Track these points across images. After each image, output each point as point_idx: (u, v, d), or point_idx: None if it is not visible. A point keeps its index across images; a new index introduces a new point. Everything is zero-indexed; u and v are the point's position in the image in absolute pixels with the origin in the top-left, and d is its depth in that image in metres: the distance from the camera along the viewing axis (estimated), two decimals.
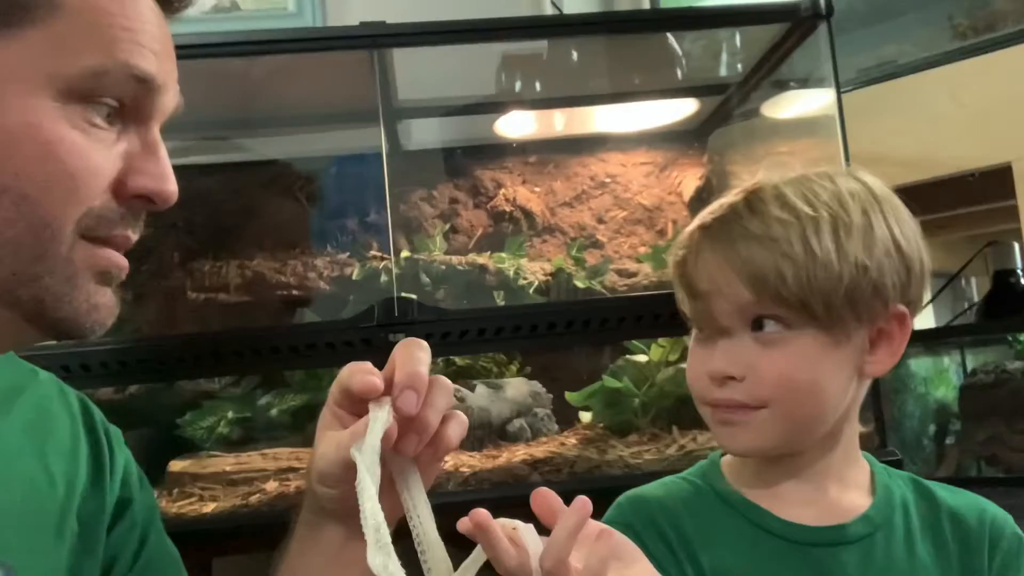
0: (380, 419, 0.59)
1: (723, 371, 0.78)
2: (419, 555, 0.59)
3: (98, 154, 0.59)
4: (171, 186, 0.63)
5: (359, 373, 0.63)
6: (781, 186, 0.79)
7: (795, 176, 0.81)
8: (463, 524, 0.58)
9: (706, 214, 0.82)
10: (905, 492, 0.84)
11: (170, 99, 0.64)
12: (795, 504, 0.81)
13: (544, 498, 0.61)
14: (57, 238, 0.58)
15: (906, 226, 0.80)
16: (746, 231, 0.77)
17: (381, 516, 0.54)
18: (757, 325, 0.77)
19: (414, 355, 0.62)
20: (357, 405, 0.63)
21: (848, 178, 0.81)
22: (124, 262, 0.63)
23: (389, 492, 0.62)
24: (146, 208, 0.63)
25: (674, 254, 0.84)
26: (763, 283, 0.75)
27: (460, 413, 0.65)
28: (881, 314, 0.78)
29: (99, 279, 0.61)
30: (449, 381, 0.64)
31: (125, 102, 0.60)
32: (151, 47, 0.60)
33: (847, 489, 0.83)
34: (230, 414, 1.38)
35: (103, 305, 0.62)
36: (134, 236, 0.63)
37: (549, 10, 1.58)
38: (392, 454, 0.61)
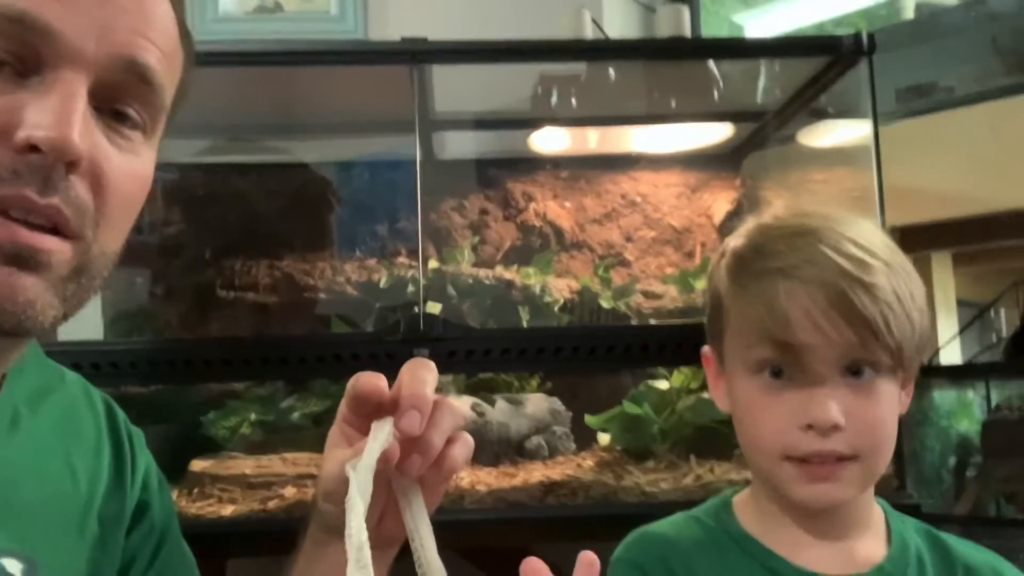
0: (379, 438, 0.58)
1: (835, 420, 0.74)
2: None
3: None
4: (58, 132, 0.54)
5: (365, 376, 0.62)
6: (840, 227, 0.77)
7: (831, 217, 0.79)
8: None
9: (768, 250, 0.78)
10: (919, 543, 0.83)
11: (99, 48, 0.57)
12: (811, 551, 0.80)
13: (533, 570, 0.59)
14: None
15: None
16: (846, 275, 0.74)
17: (365, 535, 0.54)
18: (853, 371, 0.75)
19: (419, 376, 0.61)
20: (365, 423, 0.62)
21: (872, 225, 0.81)
22: (25, 236, 0.55)
23: (395, 513, 0.62)
24: (44, 163, 0.54)
25: (738, 290, 0.79)
26: (873, 331, 0.73)
27: (466, 435, 0.64)
28: (919, 361, 0.79)
29: None
30: (455, 403, 0.63)
31: (15, 49, 0.54)
32: None
33: (863, 537, 0.82)
34: (253, 416, 1.39)
35: None
36: (40, 198, 0.54)
37: (589, 29, 1.57)
38: (396, 475, 0.61)
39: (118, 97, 0.60)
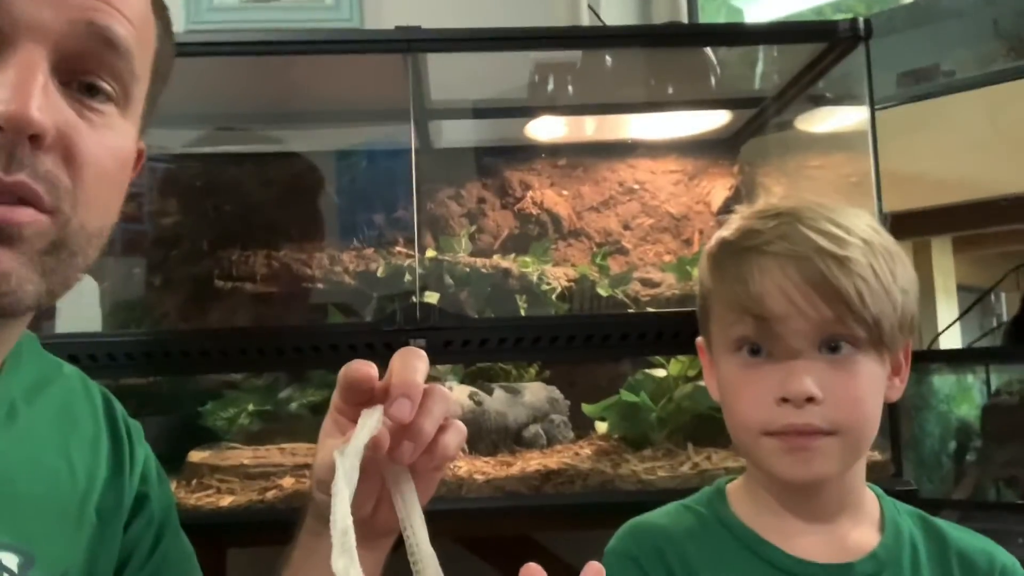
0: (367, 425, 0.58)
1: (809, 391, 0.75)
2: (411, 565, 0.58)
3: None
4: (16, 105, 0.52)
5: (356, 363, 0.62)
6: (823, 209, 0.79)
7: (819, 202, 0.81)
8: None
9: (746, 230, 0.80)
10: (913, 529, 0.84)
11: (56, 14, 0.55)
12: (804, 539, 0.81)
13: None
14: None
15: (909, 262, 0.83)
16: (819, 249, 0.76)
17: (350, 520, 0.54)
18: (831, 347, 0.76)
19: (410, 363, 0.61)
20: (358, 412, 0.61)
21: (860, 211, 0.83)
22: None
23: (389, 503, 0.62)
24: (4, 140, 0.53)
25: (716, 271, 0.82)
26: (847, 303, 0.75)
27: (458, 422, 0.64)
28: (904, 342, 0.81)
29: None
30: (446, 390, 0.63)
31: None
32: None
33: (857, 524, 0.83)
34: (251, 406, 1.39)
35: None
36: (5, 175, 0.53)
37: (586, 17, 1.57)
38: (388, 463, 0.61)
39: (85, 68, 0.58)
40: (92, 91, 0.59)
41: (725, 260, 0.82)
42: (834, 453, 0.76)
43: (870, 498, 0.85)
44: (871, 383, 0.78)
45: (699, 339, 0.89)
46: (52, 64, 0.56)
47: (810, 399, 0.75)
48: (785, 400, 0.76)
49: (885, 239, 0.80)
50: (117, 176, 0.62)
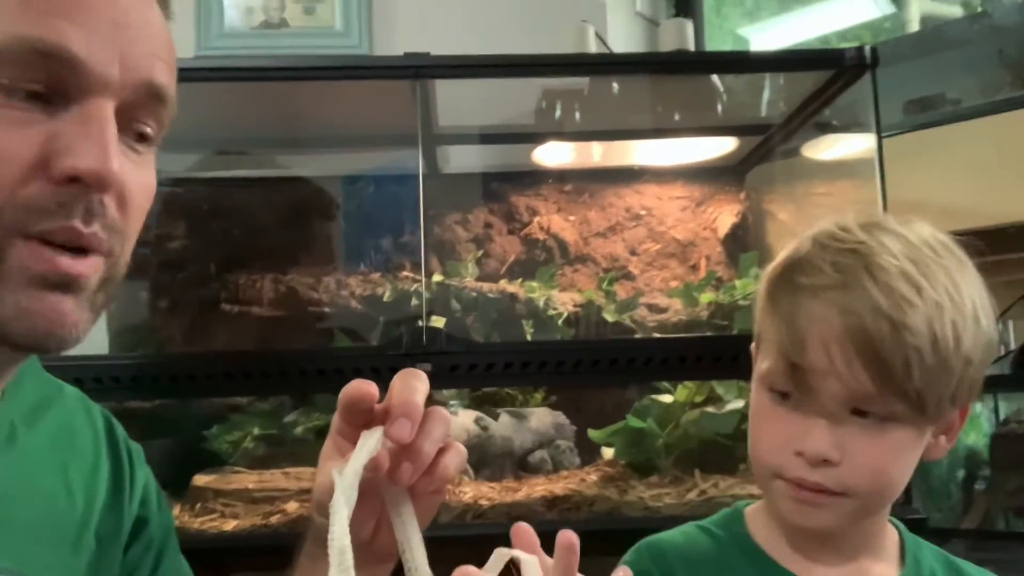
0: (367, 446, 0.58)
1: (824, 454, 0.70)
2: None
3: (8, 137, 0.54)
4: (103, 164, 0.56)
5: (356, 383, 0.61)
6: (898, 253, 0.70)
7: (895, 232, 0.73)
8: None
9: (809, 262, 0.73)
10: (934, 565, 0.82)
11: (125, 75, 0.58)
12: (824, 571, 0.79)
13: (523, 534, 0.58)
14: None
15: (990, 318, 0.72)
16: (876, 308, 0.68)
17: (348, 540, 0.53)
18: (862, 411, 0.71)
19: (410, 384, 0.60)
20: (358, 434, 0.60)
21: (946, 246, 0.73)
22: (72, 267, 0.57)
23: (389, 527, 0.61)
24: (86, 193, 0.56)
25: (768, 301, 0.75)
26: (890, 375, 0.68)
27: (458, 444, 0.63)
28: (959, 408, 0.74)
29: (36, 283, 0.56)
30: (446, 412, 0.63)
31: (44, 80, 0.55)
32: (75, 15, 0.55)
33: (878, 560, 0.80)
34: (256, 430, 1.39)
35: (38, 313, 0.56)
36: (85, 227, 0.56)
37: (593, 44, 1.58)
38: (388, 484, 0.60)
39: (139, 118, 0.61)
40: (141, 137, 0.62)
41: (779, 291, 0.76)
42: (843, 512, 0.73)
43: (891, 533, 0.83)
44: (900, 451, 0.72)
45: (753, 345, 0.82)
46: (115, 115, 0.59)
47: (826, 461, 0.71)
48: (801, 454, 0.72)
49: (963, 298, 0.70)
50: (148, 210, 0.66)
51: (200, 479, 1.30)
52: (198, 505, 1.25)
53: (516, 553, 0.56)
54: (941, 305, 0.68)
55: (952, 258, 0.73)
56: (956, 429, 0.76)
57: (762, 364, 0.77)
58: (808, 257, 0.74)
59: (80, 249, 0.57)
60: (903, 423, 0.71)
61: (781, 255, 0.78)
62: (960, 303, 0.70)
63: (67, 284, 0.57)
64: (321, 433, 1.38)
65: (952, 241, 0.74)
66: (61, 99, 0.56)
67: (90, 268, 0.58)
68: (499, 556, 0.56)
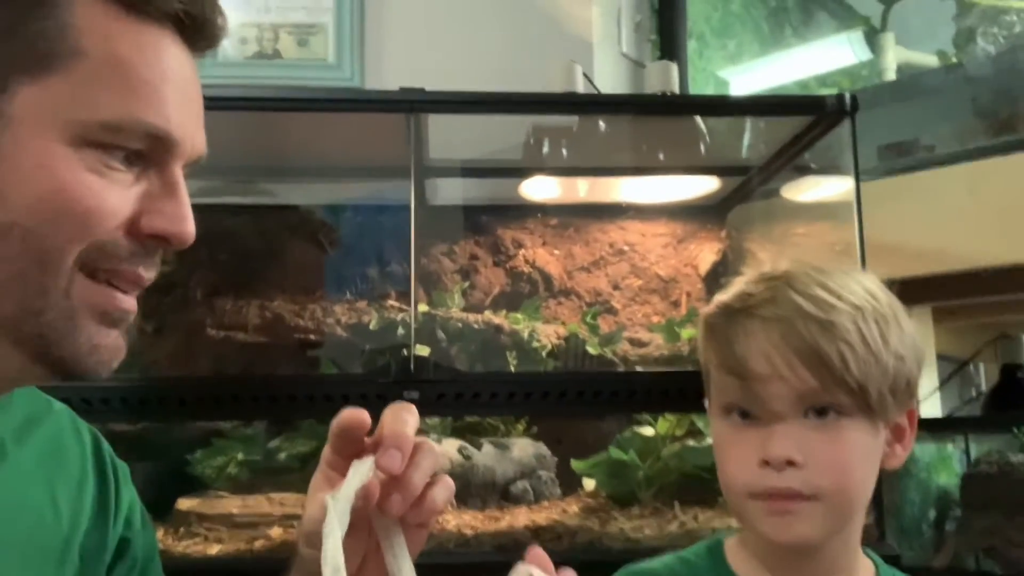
0: (359, 473, 0.59)
1: (788, 455, 0.75)
2: None
3: (113, 195, 0.60)
4: (188, 227, 0.63)
5: (348, 411, 0.63)
6: (817, 274, 0.79)
7: (817, 267, 0.81)
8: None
9: (739, 293, 0.81)
10: None
11: (193, 144, 0.64)
12: None
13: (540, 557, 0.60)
14: (56, 270, 0.58)
15: (911, 327, 0.81)
16: (803, 313, 0.75)
17: (341, 559, 0.54)
18: (817, 411, 0.76)
19: (401, 417, 0.62)
20: (348, 466, 0.62)
21: (862, 276, 0.82)
22: (128, 304, 0.63)
23: (377, 559, 0.63)
24: (162, 248, 0.63)
25: (708, 333, 0.82)
26: (828, 368, 0.74)
27: (447, 477, 0.64)
28: (903, 408, 0.79)
29: (101, 319, 0.61)
30: (436, 444, 0.65)
31: (142, 149, 0.61)
32: (171, 99, 0.61)
33: None
34: (240, 455, 1.39)
35: (105, 347, 0.62)
36: (147, 274, 0.63)
37: (581, 83, 1.62)
38: (378, 515, 0.62)
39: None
40: None
41: (717, 322, 0.82)
42: (816, 517, 0.76)
43: (866, 564, 0.85)
44: (859, 449, 0.77)
45: (706, 401, 0.89)
46: None
47: (791, 463, 0.75)
48: (767, 463, 0.76)
49: (882, 304, 0.78)
50: None
51: (184, 503, 1.30)
52: (182, 529, 1.25)
53: (536, 572, 0.57)
54: (861, 307, 0.76)
55: (863, 275, 0.81)
56: (909, 437, 0.81)
57: (713, 393, 0.82)
58: (738, 291, 0.82)
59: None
60: (855, 419, 0.76)
61: (712, 301, 0.85)
62: (879, 307, 0.78)
63: (122, 320, 0.63)
64: (305, 459, 1.39)
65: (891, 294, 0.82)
66: (151, 161, 0.62)
67: (135, 305, 0.64)
68: (520, 571, 0.58)
